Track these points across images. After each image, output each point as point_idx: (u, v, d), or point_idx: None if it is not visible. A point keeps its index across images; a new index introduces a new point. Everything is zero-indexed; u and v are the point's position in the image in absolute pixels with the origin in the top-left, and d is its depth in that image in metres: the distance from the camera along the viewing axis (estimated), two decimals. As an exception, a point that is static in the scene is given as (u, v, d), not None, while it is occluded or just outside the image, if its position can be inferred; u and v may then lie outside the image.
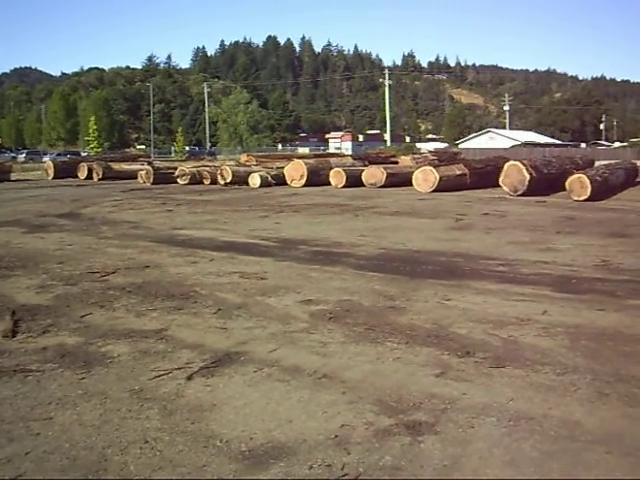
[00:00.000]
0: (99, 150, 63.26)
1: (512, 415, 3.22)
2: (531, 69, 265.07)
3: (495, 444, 2.93)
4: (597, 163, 23.14)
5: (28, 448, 2.94)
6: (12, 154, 73.68)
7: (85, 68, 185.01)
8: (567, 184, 15.49)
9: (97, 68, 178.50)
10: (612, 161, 24.27)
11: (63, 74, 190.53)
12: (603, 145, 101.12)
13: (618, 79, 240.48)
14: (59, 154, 66.34)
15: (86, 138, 68.96)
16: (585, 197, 14.95)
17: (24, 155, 74.92)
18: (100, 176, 26.20)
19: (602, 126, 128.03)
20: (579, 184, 15.23)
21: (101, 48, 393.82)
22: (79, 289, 6.18)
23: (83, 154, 61.40)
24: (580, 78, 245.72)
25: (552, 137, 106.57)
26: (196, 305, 5.53)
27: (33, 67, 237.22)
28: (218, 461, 2.80)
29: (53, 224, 11.64)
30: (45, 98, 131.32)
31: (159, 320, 5.06)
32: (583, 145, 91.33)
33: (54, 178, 27.70)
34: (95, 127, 65.61)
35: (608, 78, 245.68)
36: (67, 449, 2.93)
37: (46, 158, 54.65)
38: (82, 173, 27.22)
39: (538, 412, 3.26)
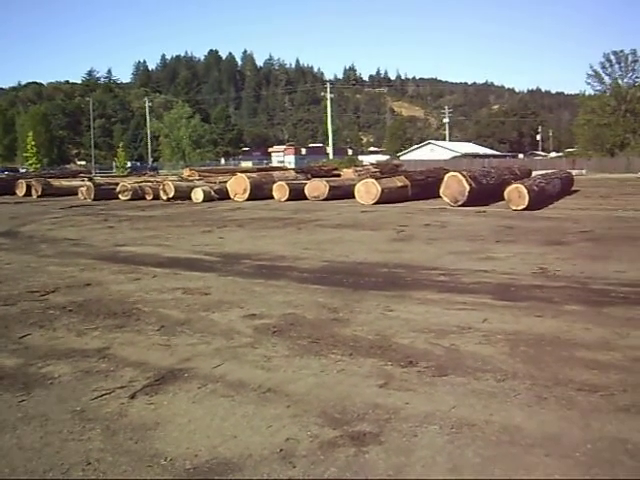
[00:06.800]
0: (38, 166, 61.87)
1: (454, 422, 3.27)
2: (469, 82, 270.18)
3: (438, 451, 2.97)
4: (534, 173, 23.76)
5: (-35, 474, 2.87)
6: (-54, 172, 71.61)
7: (23, 83, 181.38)
8: (506, 194, 15.83)
9: (35, 83, 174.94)
10: (548, 171, 24.91)
11: (0, 89, 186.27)
12: (540, 155, 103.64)
13: (553, 91, 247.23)
14: (-4, 171, 64.83)
15: (24, 154, 67.32)
16: (523, 206, 15.30)
17: (-41, 173, 73.04)
18: (39, 193, 25.67)
19: (538, 137, 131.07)
20: (517, 194, 15.58)
21: (39, 62, 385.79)
22: (18, 309, 6.04)
23: (22, 170, 59.96)
24: (517, 90, 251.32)
25: (491, 148, 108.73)
26: (139, 322, 5.46)
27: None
28: (162, 480, 2.78)
29: (-10, 243, 11.36)
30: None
31: (101, 339, 4.98)
32: (521, 155, 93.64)
33: (-9, 196, 27.07)
34: (33, 143, 64.19)
35: (543, 90, 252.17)
36: (6, 475, 2.85)
37: (-18, 175, 53.36)
38: (20, 190, 26.63)
39: (480, 418, 3.32)
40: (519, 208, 15.30)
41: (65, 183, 27.71)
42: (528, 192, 15.48)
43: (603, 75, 74.42)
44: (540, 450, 2.96)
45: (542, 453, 2.94)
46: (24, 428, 3.35)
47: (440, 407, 3.47)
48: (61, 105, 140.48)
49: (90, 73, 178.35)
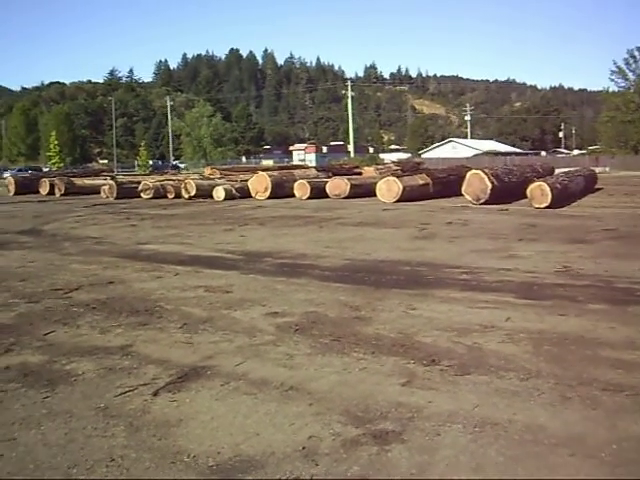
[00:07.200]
0: (61, 165, 62.45)
1: (477, 421, 3.25)
2: (491, 79, 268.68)
3: (461, 451, 2.95)
4: (557, 171, 23.54)
5: (-9, 470, 2.89)
6: (-29, 171, 72.42)
7: (46, 83, 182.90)
8: (528, 192, 15.72)
9: (58, 82, 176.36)
10: (571, 168, 24.72)
11: (23, 89, 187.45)
12: (562, 153, 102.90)
13: (575, 88, 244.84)
14: (20, 170, 65.43)
15: (47, 153, 67.98)
16: (546, 204, 15.18)
17: (-16, 171, 73.87)
18: (62, 192, 25.88)
19: (561, 134, 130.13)
20: (540, 192, 15.47)
21: (62, 62, 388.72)
22: (42, 307, 6.10)
23: (45, 169, 60.53)
24: (539, 87, 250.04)
25: (513, 146, 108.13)
26: (161, 320, 5.49)
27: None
28: (186, 477, 2.78)
29: (14, 241, 11.48)
30: (5, 113, 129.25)
31: (124, 336, 5.01)
32: (543, 153, 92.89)
33: (15, 194, 27.32)
34: (56, 142, 64.80)
35: (566, 87, 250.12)
36: (32, 470, 2.88)
37: (7, 174, 53.81)
38: (44, 189, 26.89)
39: (503, 417, 3.30)
40: (542, 206, 15.18)
41: (88, 182, 27.93)
42: (551, 190, 15.36)
43: (627, 71, 73.52)
44: (564, 450, 2.94)
45: (566, 453, 2.91)
46: (49, 424, 3.38)
47: (463, 406, 3.46)
48: (83, 105, 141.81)
49: (112, 73, 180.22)
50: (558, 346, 4.47)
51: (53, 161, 63.76)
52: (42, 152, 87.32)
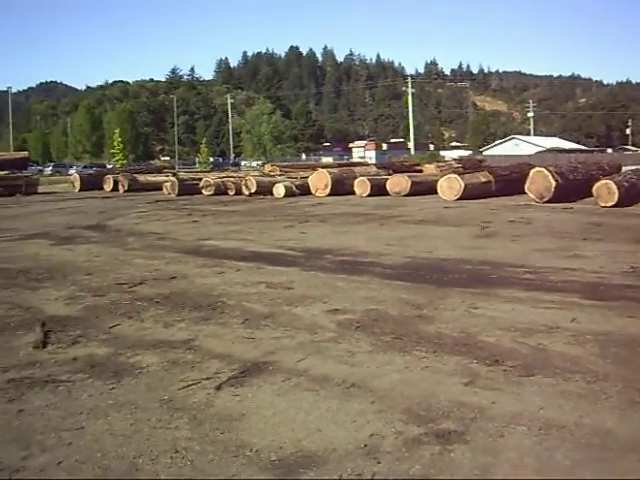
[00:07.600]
0: (124, 162, 63.63)
1: (543, 424, 3.19)
2: (555, 75, 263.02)
3: (526, 453, 2.90)
4: (624, 168, 22.95)
5: (60, 458, 2.96)
6: (39, 167, 74.60)
7: (109, 81, 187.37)
8: (594, 190, 15.36)
9: (121, 81, 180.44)
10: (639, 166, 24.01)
11: (88, 88, 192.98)
12: (630, 150, 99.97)
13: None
14: (85, 167, 67.05)
15: (111, 151, 69.25)
16: (612, 203, 14.80)
17: (51, 168, 76.21)
18: (125, 188, 26.41)
19: (628, 131, 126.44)
20: (606, 190, 15.09)
21: (125, 61, 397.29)
22: (107, 300, 6.23)
23: (108, 166, 61.82)
24: (605, 83, 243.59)
25: (577, 143, 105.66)
26: (223, 315, 5.55)
27: (58, 81, 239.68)
28: (249, 471, 2.81)
29: (80, 236, 11.76)
30: (70, 112, 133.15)
31: (187, 330, 5.09)
32: (609, 150, 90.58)
33: (80, 190, 27.99)
34: (120, 139, 65.98)
35: (634, 82, 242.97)
36: (99, 459, 2.95)
37: (72, 171, 55.41)
38: (108, 185, 27.47)
39: (569, 420, 3.23)
40: (608, 205, 14.81)
41: (150, 178, 28.42)
42: (618, 188, 14.97)
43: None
44: (634, 455, 2.86)
45: (636, 458, 2.84)
46: (115, 415, 3.45)
47: (527, 407, 3.40)
48: (146, 103, 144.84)
49: (174, 71, 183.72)
50: (626, 348, 4.35)
51: (116, 158, 64.97)
52: (106, 149, 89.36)
